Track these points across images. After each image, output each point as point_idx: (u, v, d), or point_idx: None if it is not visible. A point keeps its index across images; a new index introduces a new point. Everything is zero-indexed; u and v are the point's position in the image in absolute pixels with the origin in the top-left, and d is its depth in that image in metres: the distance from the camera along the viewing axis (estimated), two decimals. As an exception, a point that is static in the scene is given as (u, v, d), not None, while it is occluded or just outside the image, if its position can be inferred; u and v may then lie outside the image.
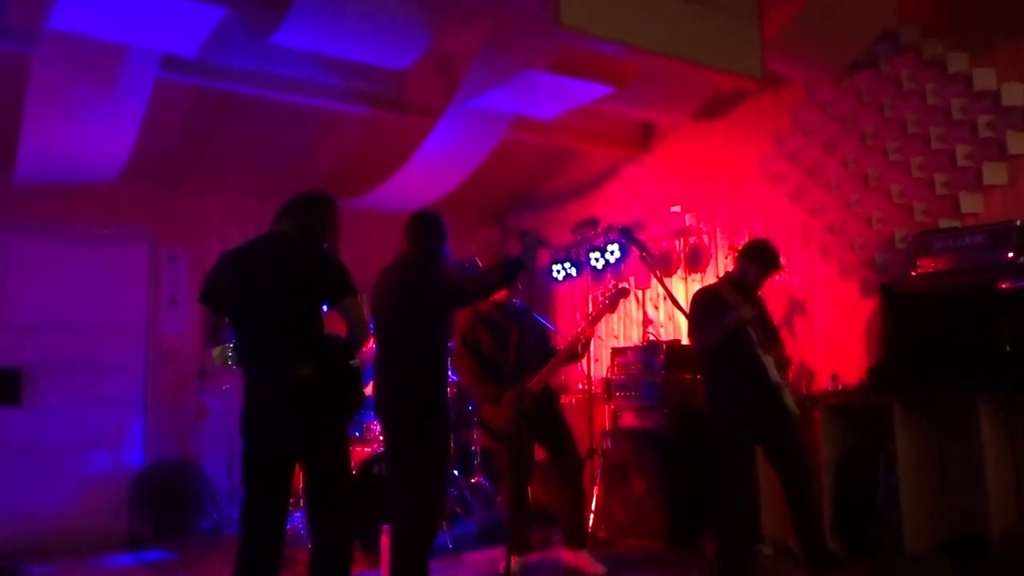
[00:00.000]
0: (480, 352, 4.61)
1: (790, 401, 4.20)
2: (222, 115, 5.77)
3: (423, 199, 6.53)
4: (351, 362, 3.16)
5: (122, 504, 5.90)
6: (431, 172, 6.02)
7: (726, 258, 5.91)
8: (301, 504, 4.95)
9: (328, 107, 5.53)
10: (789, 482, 4.17)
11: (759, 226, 5.73)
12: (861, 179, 5.14)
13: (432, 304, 3.67)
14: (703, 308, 4.33)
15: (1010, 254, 4.05)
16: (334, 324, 3.20)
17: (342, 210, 7.07)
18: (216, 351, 3.50)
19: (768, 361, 4.17)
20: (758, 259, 4.34)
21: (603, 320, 4.98)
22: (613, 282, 4.58)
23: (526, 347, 4.60)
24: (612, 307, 4.74)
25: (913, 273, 4.43)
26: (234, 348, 3.19)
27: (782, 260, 4.44)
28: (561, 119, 5.57)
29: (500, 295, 4.61)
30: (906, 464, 4.27)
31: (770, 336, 4.41)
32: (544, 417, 4.56)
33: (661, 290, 6.16)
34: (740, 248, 4.51)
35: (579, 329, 4.84)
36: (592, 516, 5.54)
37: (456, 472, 5.58)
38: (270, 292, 3.08)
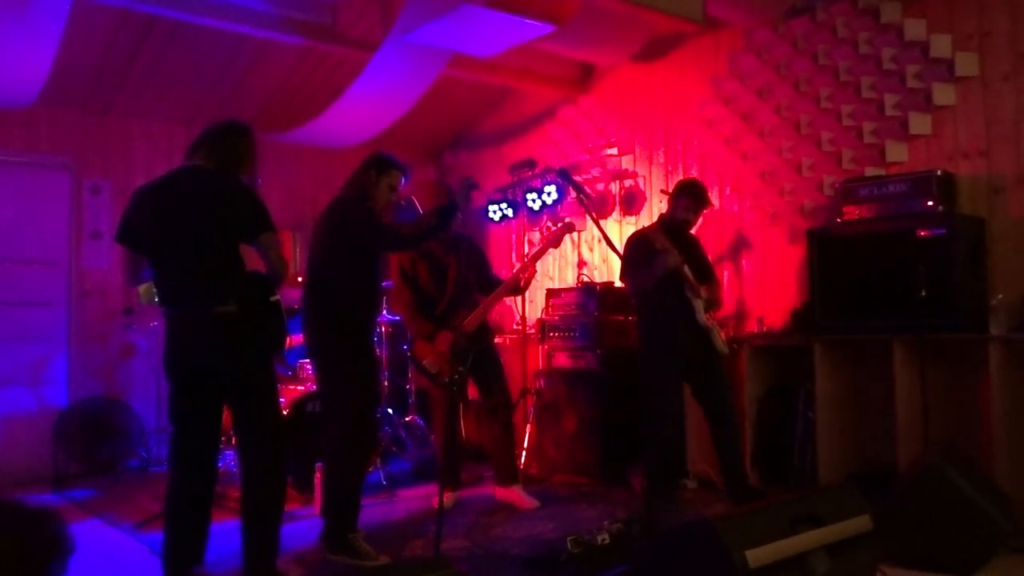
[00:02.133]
0: (418, 285, 4.62)
1: (719, 341, 4.39)
2: (147, 39, 5.55)
3: (358, 135, 6.45)
4: (272, 298, 3.13)
5: (46, 442, 5.80)
6: (366, 107, 5.93)
7: (660, 202, 6.01)
8: (233, 442, 4.96)
9: (259, 35, 5.37)
10: (714, 419, 4.38)
11: (694, 170, 5.82)
12: (793, 126, 5.24)
13: (362, 248, 3.67)
14: (634, 253, 4.45)
15: (929, 203, 4.22)
16: (257, 262, 3.18)
17: (274, 144, 6.94)
18: (142, 288, 3.47)
19: (697, 304, 4.32)
20: (687, 195, 4.49)
21: (543, 258, 4.99)
22: (563, 218, 4.61)
23: (465, 282, 4.64)
24: (557, 242, 4.72)
25: (838, 220, 4.57)
26: (155, 286, 3.14)
27: (711, 197, 4.55)
28: (500, 57, 5.52)
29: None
30: (823, 400, 4.49)
31: (704, 276, 4.55)
32: (477, 355, 4.61)
33: (596, 232, 6.25)
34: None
35: (522, 262, 4.87)
36: (524, 454, 5.68)
37: (390, 411, 5.64)
38: (187, 229, 3.03)
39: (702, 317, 4.33)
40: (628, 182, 6.26)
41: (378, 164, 3.83)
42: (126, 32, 5.45)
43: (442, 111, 7.16)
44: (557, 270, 6.80)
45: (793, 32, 5.25)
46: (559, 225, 4.73)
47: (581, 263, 6.52)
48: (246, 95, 6.26)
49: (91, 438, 5.88)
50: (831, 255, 4.48)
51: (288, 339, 5.64)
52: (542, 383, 5.71)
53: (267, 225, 3.09)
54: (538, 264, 5.19)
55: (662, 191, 4.99)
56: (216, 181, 3.11)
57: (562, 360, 5.63)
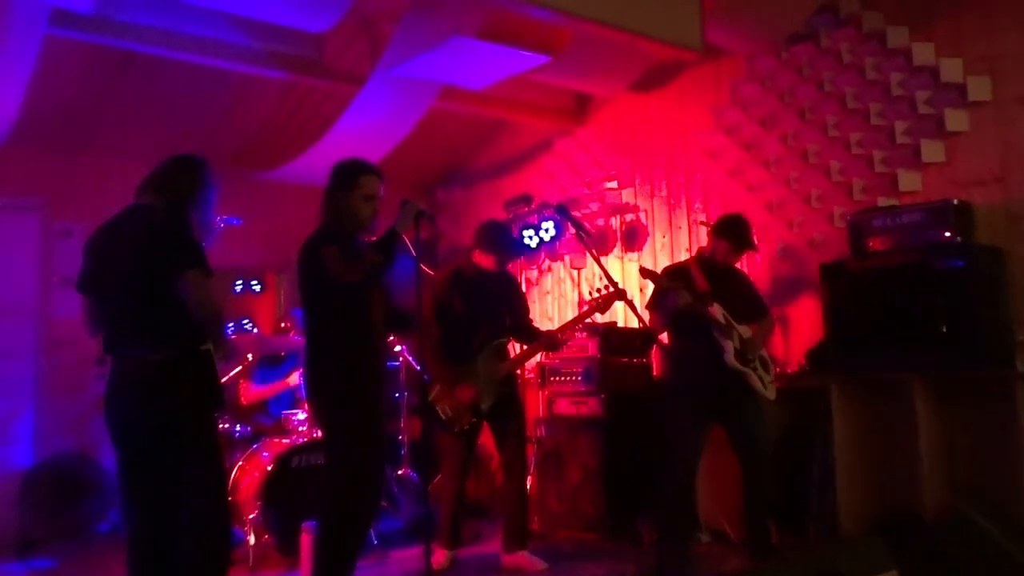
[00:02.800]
0: (450, 318, 4.55)
1: (759, 385, 4.29)
2: (124, 75, 5.60)
3: (345, 171, 6.48)
4: (202, 346, 2.92)
5: (10, 505, 5.71)
6: (354, 143, 5.95)
7: (663, 236, 6.04)
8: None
9: (242, 70, 5.43)
10: (746, 469, 4.29)
11: (698, 203, 5.86)
12: (800, 155, 5.29)
13: (314, 291, 3.60)
14: (654, 290, 4.44)
15: (947, 233, 4.24)
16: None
17: (258, 182, 6.95)
18: None
19: (727, 345, 4.24)
20: (726, 238, 4.38)
21: (586, 317, 4.91)
22: (615, 283, 4.55)
23: (498, 327, 4.64)
24: (604, 308, 4.67)
25: (852, 253, 4.58)
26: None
27: (753, 239, 4.47)
28: (492, 88, 5.59)
29: (488, 263, 4.66)
30: (842, 443, 4.46)
31: (751, 314, 4.48)
32: (499, 402, 4.55)
33: (597, 270, 6.25)
34: (713, 223, 4.57)
35: (565, 324, 4.89)
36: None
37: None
38: (118, 271, 2.96)
39: (731, 359, 4.23)
40: (629, 216, 6.29)
41: (341, 177, 3.64)
42: (102, 68, 5.51)
43: (434, 145, 7.21)
44: (557, 310, 6.80)
45: (797, 59, 5.32)
46: (610, 291, 4.59)
47: (582, 303, 6.52)
48: (229, 131, 6.31)
49: (59, 499, 5.80)
50: (845, 289, 4.47)
51: (265, 388, 5.69)
52: (543, 431, 5.67)
53: (188, 263, 2.89)
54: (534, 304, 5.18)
55: (701, 222, 4.91)
56: (147, 218, 3.00)
57: (564, 406, 5.60)
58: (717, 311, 4.25)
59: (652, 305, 4.50)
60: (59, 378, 6.15)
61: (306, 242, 3.61)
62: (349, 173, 3.65)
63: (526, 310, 4.93)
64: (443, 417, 4.47)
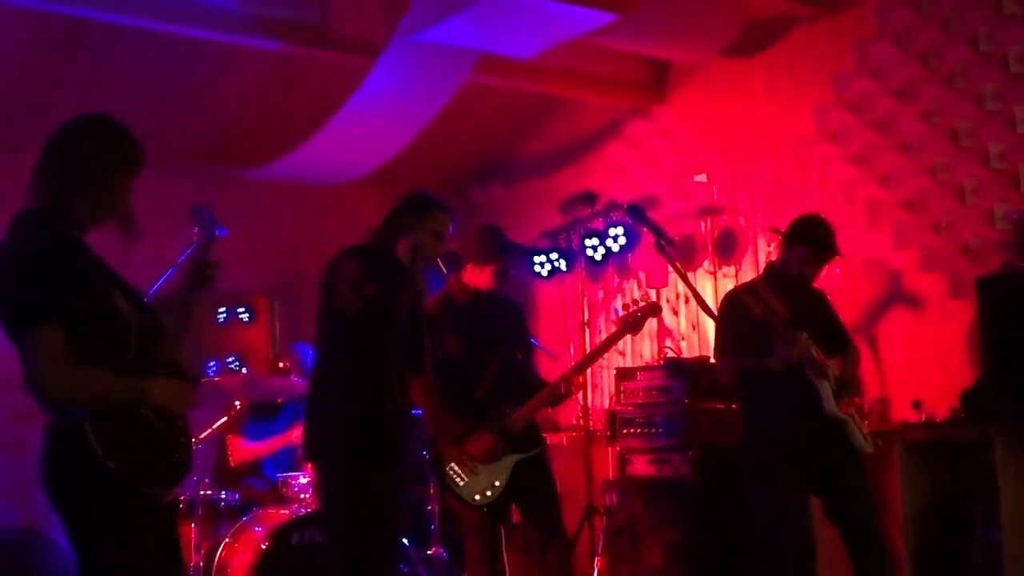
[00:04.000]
0: (446, 362, 4.57)
1: (858, 436, 4.29)
2: (75, 51, 5.76)
3: (357, 167, 6.56)
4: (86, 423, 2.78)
5: (-61, 594, 5.85)
6: (367, 130, 6.05)
7: (768, 245, 6.01)
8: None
9: (222, 40, 5.55)
10: (856, 545, 4.27)
11: (812, 201, 5.82)
12: (948, 136, 5.25)
13: (322, 315, 3.78)
14: (728, 326, 4.44)
15: None
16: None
17: (243, 182, 7.04)
18: None
19: (824, 387, 4.24)
20: (802, 242, 4.40)
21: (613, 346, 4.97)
22: (639, 294, 4.59)
23: (509, 365, 4.65)
24: (637, 327, 4.70)
25: (1019, 263, 4.54)
26: None
27: (837, 243, 4.47)
28: (544, 57, 5.63)
29: (483, 280, 4.63)
30: (1011, 516, 4.38)
31: (835, 346, 4.48)
32: (521, 468, 4.58)
33: (682, 289, 6.24)
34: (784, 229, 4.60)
35: (583, 358, 4.91)
36: (592, 597, 5.62)
37: (406, 541, 5.62)
38: None
39: (832, 405, 4.23)
40: (723, 220, 6.28)
41: (418, 205, 3.91)
42: (46, 44, 5.67)
43: (468, 132, 7.26)
44: (630, 343, 6.80)
45: (943, 9, 5.29)
46: (640, 305, 4.65)
47: (663, 332, 6.51)
48: (205, 119, 6.43)
49: (0, 586, 5.93)
50: (1010, 310, 4.43)
51: (258, 445, 5.76)
52: (614, 498, 5.67)
53: (25, 315, 2.70)
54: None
55: (772, 230, 4.94)
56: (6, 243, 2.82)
57: (640, 466, 5.59)
58: (808, 343, 4.23)
59: (729, 347, 4.45)
60: (-2, 432, 6.30)
61: (336, 256, 3.80)
62: (427, 202, 3.93)
63: (528, 335, 4.97)
64: (459, 483, 4.46)
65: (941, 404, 5.05)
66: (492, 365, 4.60)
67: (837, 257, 4.52)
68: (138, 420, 2.82)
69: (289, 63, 6.16)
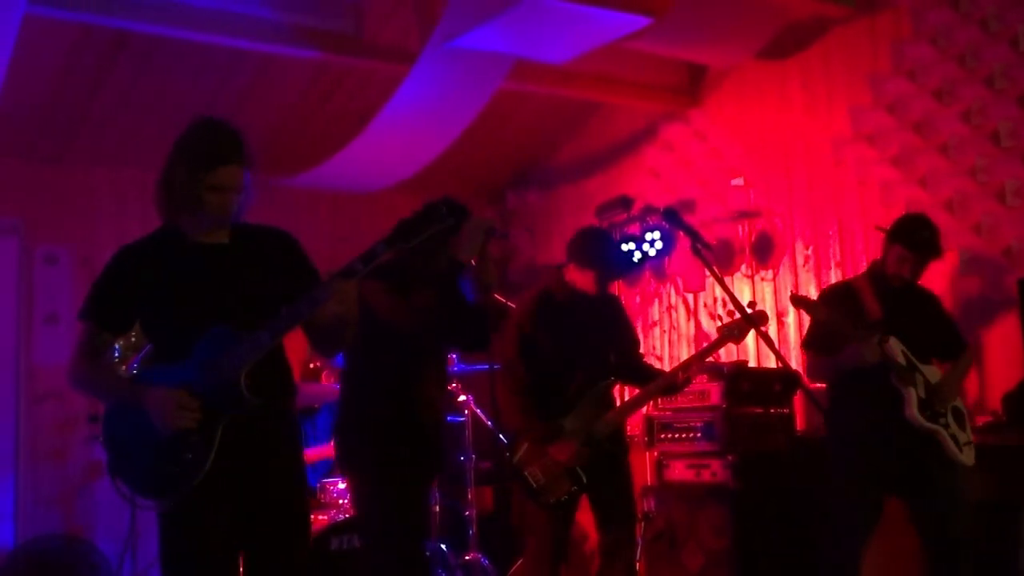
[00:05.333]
0: (538, 357, 4.53)
1: (950, 446, 4.18)
2: (114, 63, 5.81)
3: (392, 174, 6.58)
4: None
5: (-15, 598, 5.92)
6: (402, 137, 6.07)
7: (806, 248, 5.96)
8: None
9: (260, 50, 5.58)
10: (939, 555, 4.21)
11: (850, 204, 5.77)
12: (989, 136, 5.18)
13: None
14: (814, 326, 4.39)
15: None
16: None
17: (281, 190, 7.07)
18: None
19: (909, 393, 4.14)
20: (900, 240, 4.29)
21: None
22: (747, 303, 4.49)
23: (600, 366, 4.59)
24: (738, 337, 4.60)
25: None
26: None
27: (939, 243, 4.35)
28: (578, 63, 5.61)
29: (586, 282, 4.57)
30: (1059, 523, 4.32)
31: (944, 351, 4.39)
32: (601, 466, 4.49)
33: (719, 293, 6.20)
34: None
35: (688, 359, 4.80)
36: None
37: (444, 547, 5.62)
38: None
39: (914, 413, 4.12)
40: (760, 223, 6.23)
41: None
42: (87, 56, 5.72)
43: (503, 138, 7.27)
44: (666, 346, 6.76)
45: (982, 9, 5.23)
46: (744, 316, 4.47)
47: (701, 337, 6.46)
48: (244, 128, 6.46)
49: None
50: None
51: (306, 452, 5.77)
52: (652, 504, 5.63)
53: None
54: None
55: (877, 228, 4.76)
56: None
57: (679, 471, 5.55)
58: (895, 348, 4.15)
59: (811, 344, 4.42)
60: (42, 441, 6.35)
61: None
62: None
63: (636, 343, 4.92)
64: (533, 485, 4.45)
65: (983, 408, 4.99)
66: (582, 367, 4.55)
67: (937, 256, 4.40)
68: (141, 427, 2.87)
69: (326, 72, 6.19)
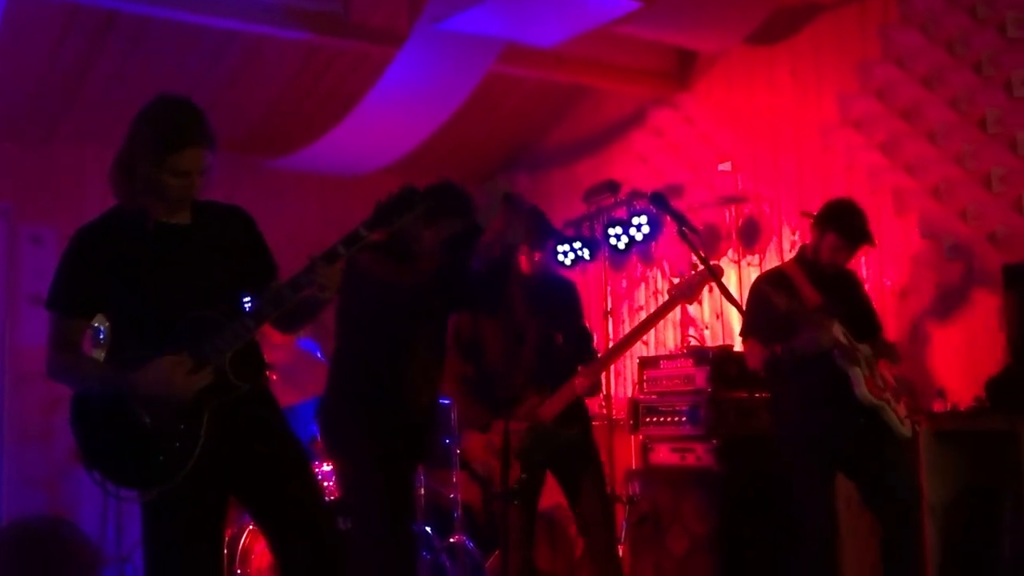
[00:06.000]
0: (481, 354, 4.52)
1: (895, 421, 4.27)
2: (103, 43, 5.78)
3: (381, 156, 6.57)
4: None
5: (-31, 579, 5.91)
6: (392, 119, 6.05)
7: (793, 234, 5.97)
8: None
9: (250, 31, 5.55)
10: (893, 530, 4.28)
11: (837, 189, 5.77)
12: (977, 124, 5.19)
13: (345, 301, 3.76)
14: (756, 310, 4.42)
15: None
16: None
17: (270, 172, 7.05)
18: None
19: (855, 373, 4.21)
20: (834, 228, 4.37)
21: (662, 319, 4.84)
22: (699, 259, 4.39)
23: (548, 349, 4.49)
24: (691, 295, 4.53)
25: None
26: None
27: (870, 230, 4.43)
28: (568, 46, 5.60)
29: (526, 263, 4.51)
30: (1040, 508, 4.34)
31: (865, 329, 4.46)
32: (563, 451, 4.47)
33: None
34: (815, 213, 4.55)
35: (623, 337, 4.77)
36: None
37: (429, 529, 5.63)
38: None
39: (864, 391, 4.22)
40: (747, 208, 6.24)
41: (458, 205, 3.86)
42: (75, 36, 5.68)
43: (492, 122, 7.26)
44: (652, 331, 6.76)
45: (971, -5, 5.24)
46: (692, 273, 4.51)
47: (687, 321, 6.48)
48: (233, 109, 6.44)
49: (27, 573, 5.97)
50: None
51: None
52: (636, 488, 5.64)
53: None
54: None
55: (803, 213, 4.86)
56: None
57: (663, 455, 5.57)
58: (837, 330, 4.22)
59: (753, 331, 4.45)
60: (26, 422, 6.34)
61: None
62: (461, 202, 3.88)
63: (578, 317, 4.78)
64: (481, 475, 4.43)
65: (966, 393, 5.01)
66: (528, 350, 4.51)
67: (868, 244, 4.48)
68: (120, 417, 2.82)
69: (315, 54, 6.17)
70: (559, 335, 4.58)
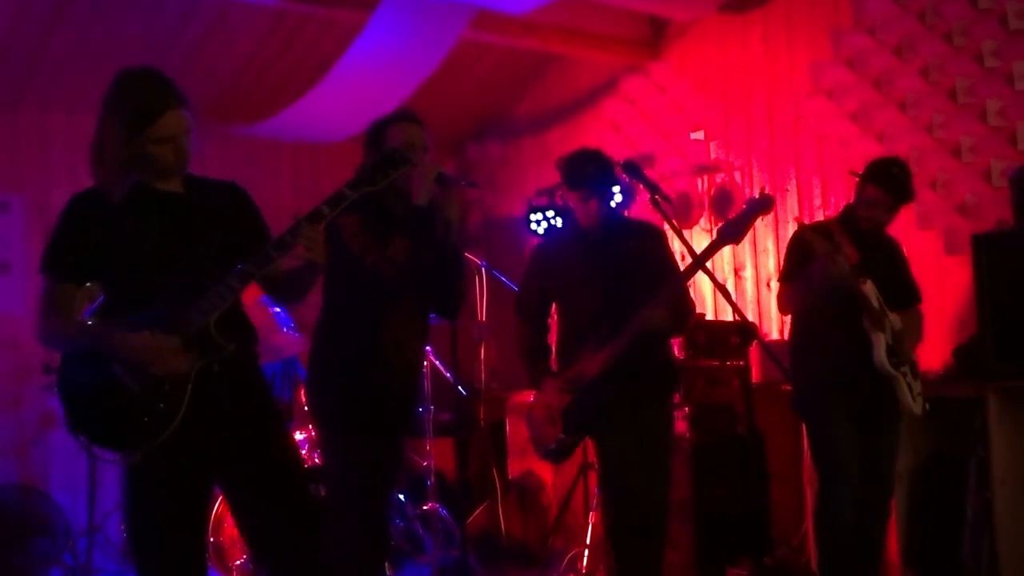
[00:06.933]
0: (547, 308, 4.30)
1: (906, 395, 4.21)
2: (65, 7, 5.70)
3: (352, 124, 6.48)
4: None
5: (-62, 549, 5.88)
6: (362, 86, 6.01)
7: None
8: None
9: (218, -5, 5.50)
10: (871, 505, 4.28)
11: (809, 158, 5.80)
12: (947, 93, 5.22)
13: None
14: (787, 258, 4.40)
15: None
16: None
17: (240, 138, 7.00)
18: None
19: (877, 339, 4.14)
20: (875, 181, 4.24)
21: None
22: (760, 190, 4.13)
23: (619, 301, 4.02)
24: (739, 234, 3.92)
25: (1015, 220, 4.51)
26: None
27: (912, 186, 4.30)
28: (539, 13, 5.57)
29: (587, 213, 4.22)
30: (1003, 473, 4.39)
31: (903, 299, 4.39)
32: (600, 412, 4.01)
33: (678, 246, 6.21)
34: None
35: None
36: (587, 553, 5.64)
37: (402, 497, 5.64)
38: None
39: (882, 358, 4.12)
40: (720, 177, 6.25)
41: (368, 140, 3.78)
42: (38, 2, 5.59)
43: (463, 89, 7.22)
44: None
45: (942, -35, 5.25)
46: (752, 202, 3.96)
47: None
48: (202, 75, 6.37)
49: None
50: (1006, 267, 4.40)
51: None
52: (608, 455, 5.67)
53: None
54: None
55: (851, 172, 4.71)
56: None
57: (635, 423, 5.59)
58: (871, 290, 4.12)
59: (789, 276, 4.35)
60: (-6, 390, 6.31)
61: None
62: (374, 132, 3.77)
63: (658, 261, 4.25)
64: (531, 435, 4.19)
65: (935, 361, 5.06)
66: (585, 307, 4.17)
67: (911, 199, 4.37)
68: (106, 379, 2.82)
69: (284, 19, 6.10)
70: (630, 288, 4.07)
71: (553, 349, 4.30)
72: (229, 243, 2.97)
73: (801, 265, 4.21)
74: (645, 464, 3.92)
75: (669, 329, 4.10)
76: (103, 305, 3.07)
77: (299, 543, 2.98)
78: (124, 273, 2.93)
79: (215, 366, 2.87)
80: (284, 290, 3.16)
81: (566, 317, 4.27)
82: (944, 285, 5.20)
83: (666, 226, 4.29)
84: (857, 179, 4.36)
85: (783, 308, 4.52)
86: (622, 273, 4.12)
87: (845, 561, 4.19)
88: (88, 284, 3.15)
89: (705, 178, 6.33)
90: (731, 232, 3.91)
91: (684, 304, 4.16)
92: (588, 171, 4.32)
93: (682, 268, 4.08)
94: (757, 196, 4.13)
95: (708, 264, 4.06)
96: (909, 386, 4.23)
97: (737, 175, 6.19)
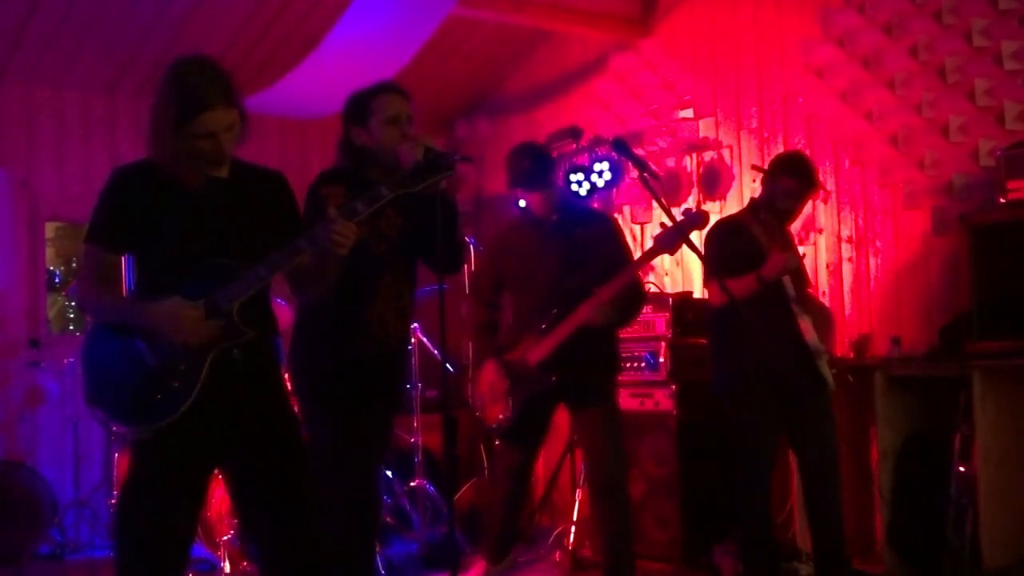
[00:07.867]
0: (499, 290, 4.48)
1: (827, 369, 4.37)
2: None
3: (339, 99, 6.47)
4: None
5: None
6: (350, 62, 5.97)
7: (753, 181, 5.99)
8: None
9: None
10: (815, 476, 4.41)
11: (798, 137, 5.80)
12: (936, 72, 5.21)
13: None
14: (722, 248, 4.43)
15: None
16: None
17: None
18: None
19: (806, 319, 4.31)
20: (788, 174, 4.40)
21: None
22: (689, 206, 4.35)
23: (565, 288, 4.25)
24: (672, 245, 4.20)
25: (1002, 200, 4.52)
26: None
27: (820, 177, 4.48)
28: (529, -12, 5.57)
29: (533, 202, 4.43)
30: (988, 452, 4.42)
31: (802, 284, 4.55)
32: (545, 397, 4.34)
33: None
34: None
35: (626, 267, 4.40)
36: (574, 529, 5.67)
37: (389, 474, 5.66)
38: None
39: (814, 337, 4.31)
40: (709, 155, 6.25)
41: (351, 110, 3.75)
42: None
43: (452, 66, 7.20)
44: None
45: (932, -57, 5.23)
46: (684, 218, 4.18)
47: (646, 268, 6.50)
48: (188, 50, 6.26)
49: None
50: (993, 249, 4.42)
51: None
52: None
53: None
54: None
55: (754, 167, 4.94)
56: None
57: (623, 400, 5.53)
58: (788, 280, 4.29)
59: (723, 269, 4.38)
60: (-20, 366, 6.30)
61: (311, 184, 3.70)
62: (356, 103, 3.74)
63: (610, 253, 4.42)
64: (475, 411, 4.43)
65: (921, 340, 5.08)
66: (532, 294, 4.43)
67: (820, 190, 4.56)
68: (126, 354, 2.86)
69: (271, -7, 6.08)
70: (580, 275, 4.28)
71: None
72: (265, 231, 3.00)
73: (736, 257, 4.30)
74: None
75: (611, 322, 4.32)
76: (136, 281, 3.13)
77: (297, 542, 3.01)
78: (160, 250, 2.96)
79: (235, 351, 2.90)
80: (306, 281, 3.16)
81: (515, 302, 4.48)
82: (931, 265, 5.21)
83: (654, 203, 4.37)
84: (762, 174, 4.54)
85: (717, 300, 4.49)
86: (572, 262, 4.31)
87: (759, 547, 4.35)
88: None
89: (694, 156, 6.32)
90: (666, 242, 4.20)
91: (633, 295, 4.39)
92: (523, 167, 4.47)
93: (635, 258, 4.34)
94: (693, 210, 4.43)
95: (695, 237, 4.20)
96: (825, 362, 4.41)
97: (726, 153, 6.18)
